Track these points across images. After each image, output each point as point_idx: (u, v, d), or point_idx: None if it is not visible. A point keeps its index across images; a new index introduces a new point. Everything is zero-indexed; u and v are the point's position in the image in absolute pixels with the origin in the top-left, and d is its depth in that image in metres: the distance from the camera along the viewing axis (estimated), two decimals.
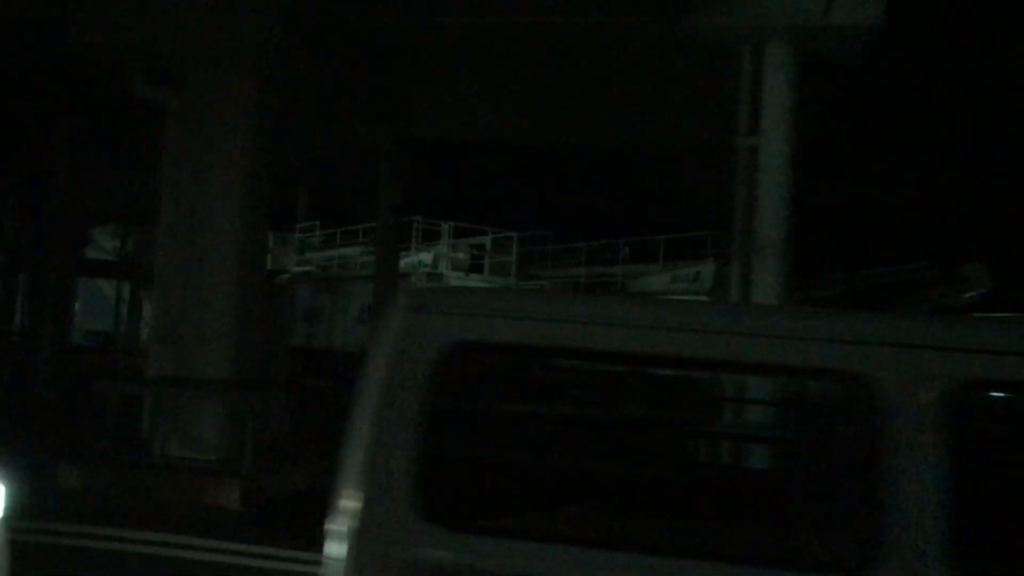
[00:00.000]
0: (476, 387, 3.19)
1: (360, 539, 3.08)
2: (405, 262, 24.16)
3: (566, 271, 25.41)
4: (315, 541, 8.85)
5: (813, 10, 10.00)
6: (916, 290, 20.42)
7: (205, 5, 9.85)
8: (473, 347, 3.06)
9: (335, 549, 3.17)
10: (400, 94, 15.37)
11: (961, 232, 22.90)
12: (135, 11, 9.84)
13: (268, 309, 10.66)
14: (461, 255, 23.43)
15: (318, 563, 9.10)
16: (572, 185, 24.32)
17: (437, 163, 23.59)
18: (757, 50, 10.61)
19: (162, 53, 10.03)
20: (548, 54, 13.94)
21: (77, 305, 51.23)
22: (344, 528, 3.14)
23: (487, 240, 24.73)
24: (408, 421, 3.08)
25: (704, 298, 20.54)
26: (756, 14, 10.41)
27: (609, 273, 24.22)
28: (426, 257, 23.08)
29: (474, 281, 22.93)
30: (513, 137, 17.68)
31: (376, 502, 3.08)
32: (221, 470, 9.62)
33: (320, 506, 10.08)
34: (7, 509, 5.79)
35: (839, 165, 20.49)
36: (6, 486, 5.79)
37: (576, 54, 14.03)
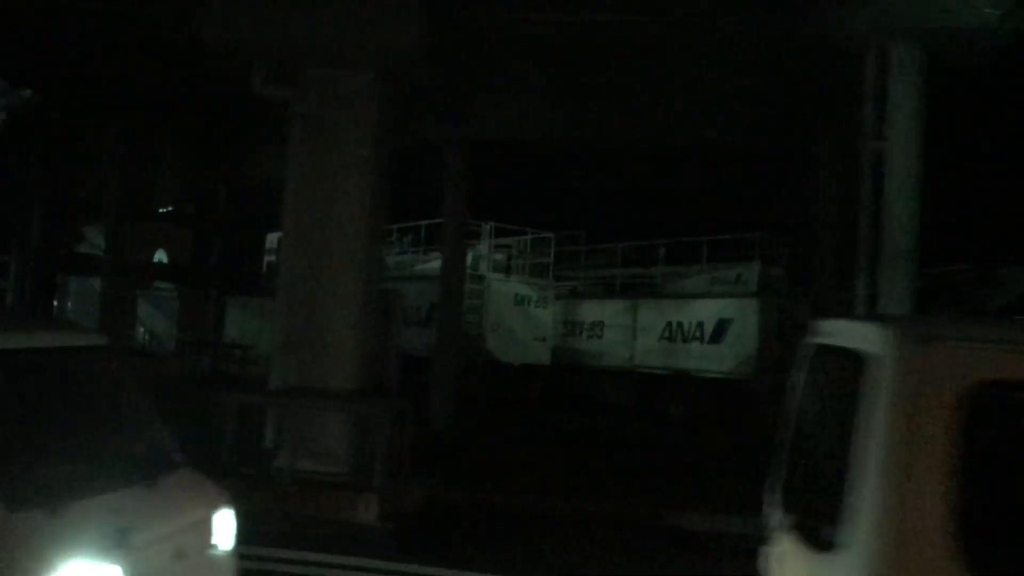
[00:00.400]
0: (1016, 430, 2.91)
1: None
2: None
3: (600, 272, 25.18)
4: (463, 558, 8.54)
5: (947, 11, 9.83)
6: (952, 292, 20.41)
7: (331, 3, 9.49)
8: (1012, 386, 2.81)
9: None
10: (467, 93, 15.03)
11: (998, 234, 22.85)
12: (259, 8, 9.46)
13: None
14: (498, 256, 23.08)
15: None
16: (608, 186, 24.05)
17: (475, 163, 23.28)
18: (883, 52, 10.43)
19: (285, 51, 9.65)
20: (618, 52, 13.69)
21: (69, 304, 50.26)
22: None
23: (517, 240, 24.40)
24: (934, 469, 2.80)
25: (752, 300, 20.42)
26: (884, 15, 10.23)
27: (646, 274, 24.04)
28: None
29: (513, 283, 22.62)
30: (581, 137, 17.40)
31: (904, 556, 2.81)
32: (354, 484, 9.26)
33: (461, 520, 9.77)
34: (236, 536, 5.46)
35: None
36: (235, 511, 5.45)
37: (644, 54, 13.79)
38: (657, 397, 21.87)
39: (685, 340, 21.55)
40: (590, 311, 23.65)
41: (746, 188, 21.83)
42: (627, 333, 22.61)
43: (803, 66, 12.93)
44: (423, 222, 25.84)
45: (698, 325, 21.29)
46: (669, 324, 21.87)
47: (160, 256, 48.33)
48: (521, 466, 12.92)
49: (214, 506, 5.17)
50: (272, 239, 29.13)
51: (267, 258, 29.28)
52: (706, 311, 21.20)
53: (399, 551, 8.48)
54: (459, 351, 17.09)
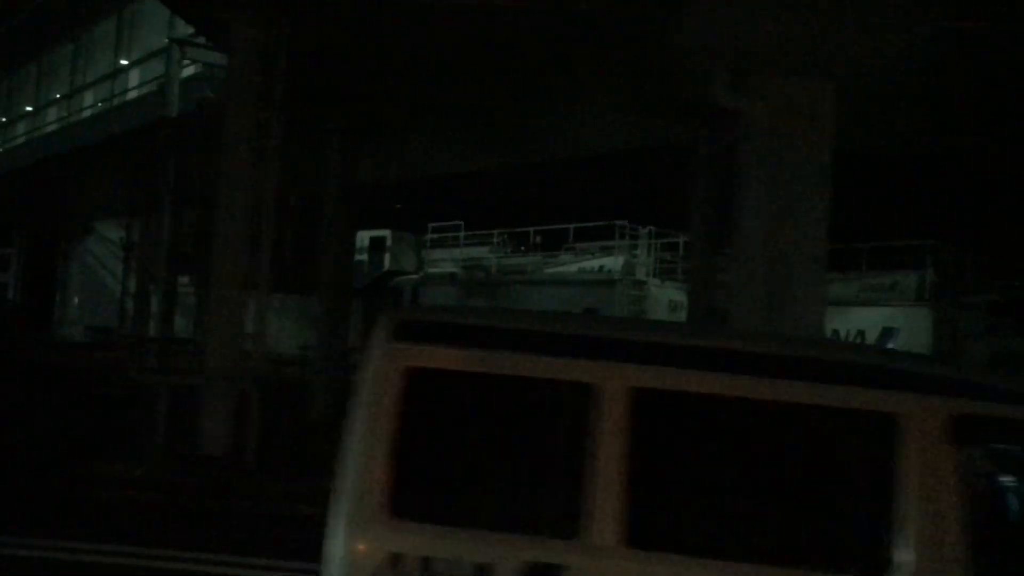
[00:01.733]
0: None
1: None
2: (580, 267, 23.12)
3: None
4: None
5: None
6: None
7: (789, 10, 8.83)
8: None
9: None
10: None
11: None
12: (724, 16, 8.75)
13: None
14: (644, 259, 22.42)
15: None
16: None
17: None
18: None
19: (747, 58, 8.92)
20: None
21: (76, 299, 48.07)
22: None
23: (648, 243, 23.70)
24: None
25: (923, 309, 20.22)
26: None
27: None
28: (611, 263, 22.00)
29: (667, 288, 22.04)
30: None
31: None
32: None
33: None
34: None
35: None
36: None
37: None
38: None
39: None
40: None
41: (902, 196, 21.66)
42: None
43: None
44: (530, 228, 25.15)
45: (858, 333, 20.97)
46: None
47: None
48: None
49: None
50: (362, 238, 28.02)
51: (356, 257, 28.11)
52: (868, 319, 20.91)
53: None
54: None
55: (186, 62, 15.41)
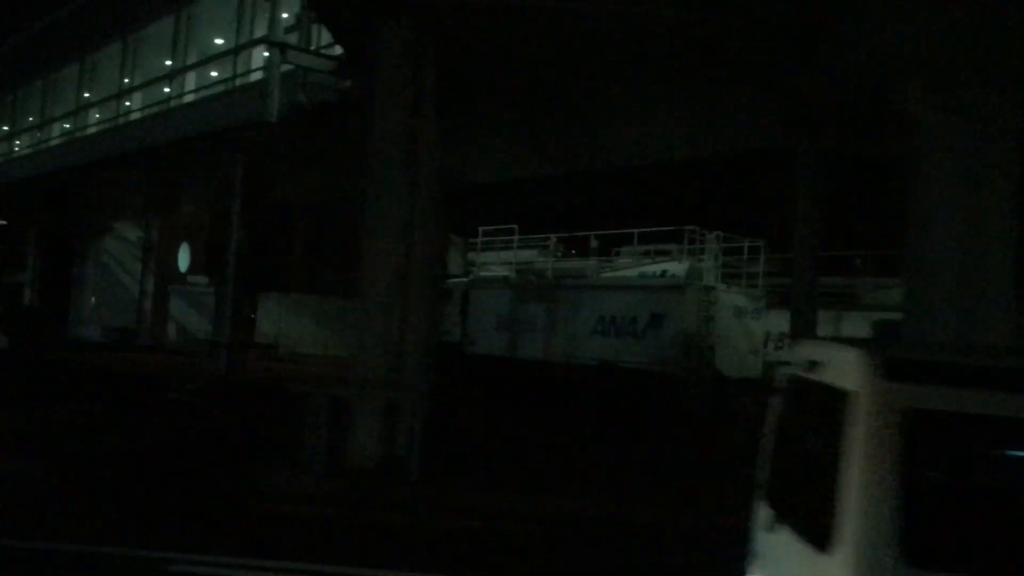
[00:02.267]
0: None
1: None
2: (640, 271, 23.02)
3: (779, 281, 24.64)
4: None
5: None
6: None
7: (982, 25, 8.83)
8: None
9: None
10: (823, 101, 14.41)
11: None
12: (914, 28, 8.75)
13: None
14: (707, 264, 22.29)
15: None
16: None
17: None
18: None
19: (940, 70, 8.91)
20: None
21: (92, 299, 47.58)
22: None
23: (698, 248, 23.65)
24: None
25: None
26: None
27: (842, 284, 23.66)
28: (676, 267, 21.90)
29: (733, 293, 21.98)
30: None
31: None
32: None
33: None
34: None
35: None
36: None
37: None
38: None
39: None
40: (775, 323, 23.07)
41: None
42: None
43: None
44: (590, 232, 25.06)
45: None
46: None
47: (184, 252, 46.03)
48: None
49: None
50: None
51: None
52: None
53: None
54: None
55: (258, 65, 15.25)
